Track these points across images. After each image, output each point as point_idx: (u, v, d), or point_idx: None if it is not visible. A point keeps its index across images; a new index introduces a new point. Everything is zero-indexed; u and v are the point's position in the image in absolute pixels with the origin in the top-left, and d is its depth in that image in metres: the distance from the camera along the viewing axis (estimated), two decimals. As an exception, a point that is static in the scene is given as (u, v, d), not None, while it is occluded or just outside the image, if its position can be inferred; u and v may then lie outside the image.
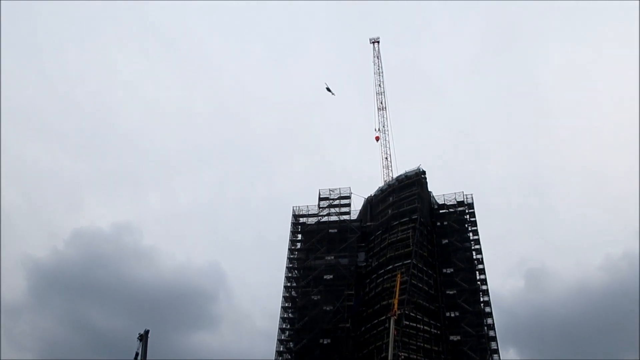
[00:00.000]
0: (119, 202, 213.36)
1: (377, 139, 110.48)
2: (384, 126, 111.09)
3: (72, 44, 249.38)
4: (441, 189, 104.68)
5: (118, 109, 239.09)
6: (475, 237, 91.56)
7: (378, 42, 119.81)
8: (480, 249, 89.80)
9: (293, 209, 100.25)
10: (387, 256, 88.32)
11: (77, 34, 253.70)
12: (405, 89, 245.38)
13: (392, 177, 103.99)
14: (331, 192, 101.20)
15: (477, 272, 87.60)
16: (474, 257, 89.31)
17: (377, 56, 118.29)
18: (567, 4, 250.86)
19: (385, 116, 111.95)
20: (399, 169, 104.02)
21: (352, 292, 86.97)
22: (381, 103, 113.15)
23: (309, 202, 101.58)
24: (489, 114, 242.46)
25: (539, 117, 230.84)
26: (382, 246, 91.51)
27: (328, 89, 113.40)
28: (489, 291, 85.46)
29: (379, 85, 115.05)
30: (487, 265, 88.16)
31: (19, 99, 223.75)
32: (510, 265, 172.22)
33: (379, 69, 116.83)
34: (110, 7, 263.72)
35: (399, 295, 76.57)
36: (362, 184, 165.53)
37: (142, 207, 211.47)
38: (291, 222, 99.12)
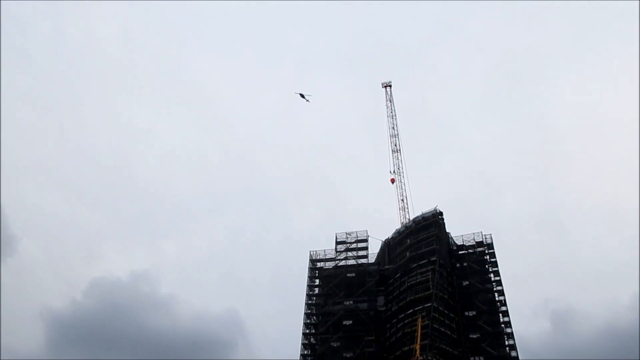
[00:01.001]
0: (135, 250, 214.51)
1: (393, 181, 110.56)
2: (399, 168, 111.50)
3: (89, 96, 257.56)
4: (459, 230, 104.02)
5: (134, 159, 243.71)
6: (497, 278, 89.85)
7: (390, 85, 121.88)
8: (503, 290, 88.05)
9: (310, 254, 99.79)
10: (407, 300, 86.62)
11: (93, 86, 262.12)
12: (417, 130, 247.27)
13: (408, 219, 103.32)
14: (348, 236, 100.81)
15: (500, 315, 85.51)
16: (497, 298, 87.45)
17: (390, 99, 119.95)
18: (574, 39, 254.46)
19: (399, 158, 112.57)
20: (416, 211, 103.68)
21: (373, 337, 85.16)
22: (395, 145, 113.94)
23: (326, 246, 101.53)
24: (502, 152, 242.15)
25: (552, 152, 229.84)
26: (401, 289, 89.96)
27: (302, 96, 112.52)
28: (514, 334, 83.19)
29: (393, 127, 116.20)
30: (511, 307, 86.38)
31: (38, 153, 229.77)
32: (535, 307, 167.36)
33: (391, 112, 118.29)
34: (125, 59, 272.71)
35: (420, 340, 74.80)
36: (378, 227, 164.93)
37: (158, 255, 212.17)
38: (308, 267, 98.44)
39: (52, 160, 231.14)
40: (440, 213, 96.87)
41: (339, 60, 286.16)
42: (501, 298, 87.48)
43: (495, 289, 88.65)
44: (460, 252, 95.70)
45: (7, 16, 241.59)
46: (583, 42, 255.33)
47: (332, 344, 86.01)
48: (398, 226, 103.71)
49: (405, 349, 78.81)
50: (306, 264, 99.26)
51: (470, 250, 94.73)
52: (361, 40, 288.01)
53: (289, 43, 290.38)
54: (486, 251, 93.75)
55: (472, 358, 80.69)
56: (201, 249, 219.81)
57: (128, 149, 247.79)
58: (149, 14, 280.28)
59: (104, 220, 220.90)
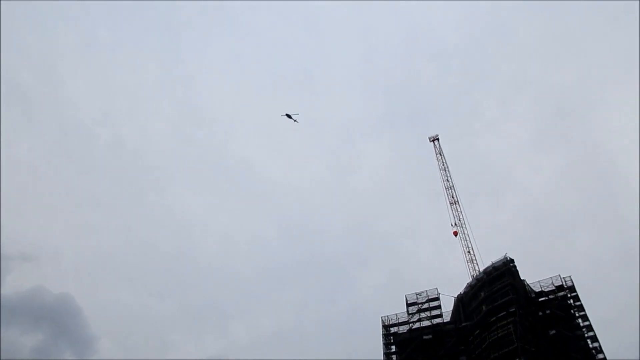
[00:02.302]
0: (206, 336, 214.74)
1: (455, 233, 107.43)
2: (459, 219, 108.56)
3: (151, 191, 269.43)
4: (533, 276, 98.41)
5: (195, 246, 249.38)
6: (586, 322, 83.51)
7: (437, 139, 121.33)
8: (595, 335, 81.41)
9: (382, 319, 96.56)
10: (491, 357, 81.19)
11: (151, 181, 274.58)
12: (469, 179, 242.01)
13: (478, 271, 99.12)
14: (418, 296, 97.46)
15: (598, 363, 78.76)
16: (590, 345, 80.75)
17: (440, 152, 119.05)
18: (613, 64, 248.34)
19: (459, 209, 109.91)
20: (484, 261, 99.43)
21: (461, 403, 79.85)
22: (452, 197, 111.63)
23: (394, 310, 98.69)
24: (563, 190, 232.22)
25: (615, 181, 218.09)
26: (483, 347, 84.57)
27: (289, 116, 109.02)
28: (617, 383, 76.00)
29: (447, 180, 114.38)
30: (608, 353, 79.47)
31: (106, 251, 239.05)
32: (635, 350, 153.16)
33: (443, 165, 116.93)
34: (176, 151, 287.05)
35: (514, 401, 69.22)
36: (446, 283, 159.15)
37: (228, 338, 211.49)
38: (382, 334, 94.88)
39: (119, 255, 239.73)
40: (512, 260, 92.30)
41: (379, 119, 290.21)
42: (595, 344, 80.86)
43: (587, 334, 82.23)
44: (540, 299, 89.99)
45: (68, 127, 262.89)
46: (623, 65, 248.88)
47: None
48: (467, 280, 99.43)
49: (499, 411, 73.21)
50: (377, 330, 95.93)
51: (551, 296, 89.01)
52: (399, 97, 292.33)
53: (326, 107, 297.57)
54: (569, 295, 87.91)
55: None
56: (269, 327, 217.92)
57: (187, 237, 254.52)
58: (193, 106, 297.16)
59: (172, 309, 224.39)
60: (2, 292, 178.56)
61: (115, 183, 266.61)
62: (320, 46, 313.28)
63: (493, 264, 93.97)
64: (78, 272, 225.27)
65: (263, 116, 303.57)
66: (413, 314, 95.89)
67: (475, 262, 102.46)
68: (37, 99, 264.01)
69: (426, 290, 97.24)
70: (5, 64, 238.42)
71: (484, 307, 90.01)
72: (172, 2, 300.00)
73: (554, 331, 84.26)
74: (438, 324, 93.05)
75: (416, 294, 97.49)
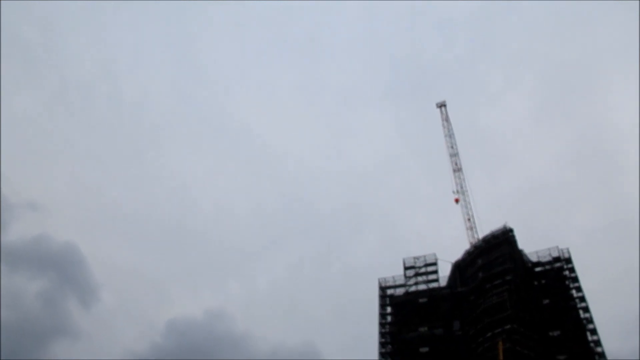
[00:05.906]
0: (203, 293, 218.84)
1: (457, 200, 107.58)
2: (461, 187, 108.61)
3: (150, 148, 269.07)
4: (530, 247, 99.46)
5: (192, 207, 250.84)
6: (580, 294, 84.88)
7: (445, 105, 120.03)
8: (588, 306, 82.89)
9: (379, 281, 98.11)
10: (485, 322, 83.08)
11: (150, 140, 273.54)
12: (469, 150, 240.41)
13: (477, 239, 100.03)
14: (416, 260, 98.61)
15: (588, 333, 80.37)
16: (582, 316, 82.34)
17: (446, 119, 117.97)
18: (626, 45, 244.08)
19: (462, 177, 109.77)
20: (483, 230, 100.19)
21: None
22: (456, 164, 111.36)
23: (389, 273, 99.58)
24: (563, 164, 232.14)
25: (617, 159, 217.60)
26: (477, 312, 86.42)
27: None
28: (606, 354, 77.77)
29: (452, 147, 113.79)
30: (599, 325, 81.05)
31: (107, 203, 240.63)
32: (627, 324, 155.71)
33: (449, 132, 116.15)
34: (176, 111, 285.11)
35: (504, 365, 71.18)
36: (444, 249, 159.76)
37: (225, 294, 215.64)
38: (379, 295, 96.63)
39: (119, 211, 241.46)
40: (511, 230, 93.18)
41: (381, 87, 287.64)
42: (587, 315, 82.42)
43: (579, 305, 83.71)
44: (536, 269, 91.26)
45: (69, 81, 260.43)
46: (629, 45, 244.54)
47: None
48: (465, 247, 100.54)
49: (488, 374, 75.34)
50: (372, 292, 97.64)
51: (548, 267, 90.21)
52: (402, 64, 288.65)
53: (329, 74, 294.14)
54: (565, 266, 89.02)
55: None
56: (264, 285, 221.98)
57: (185, 198, 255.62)
58: (194, 65, 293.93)
59: (170, 266, 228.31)
60: (7, 239, 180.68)
61: (114, 138, 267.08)
62: (324, 12, 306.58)
63: (492, 232, 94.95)
64: (81, 224, 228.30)
65: (264, 79, 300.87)
66: (410, 277, 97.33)
67: (474, 230, 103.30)
68: (38, 52, 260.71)
69: (424, 255, 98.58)
70: (6, 18, 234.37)
71: (480, 274, 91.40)
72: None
73: (547, 300, 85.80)
74: (434, 288, 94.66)
75: (414, 258, 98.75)
